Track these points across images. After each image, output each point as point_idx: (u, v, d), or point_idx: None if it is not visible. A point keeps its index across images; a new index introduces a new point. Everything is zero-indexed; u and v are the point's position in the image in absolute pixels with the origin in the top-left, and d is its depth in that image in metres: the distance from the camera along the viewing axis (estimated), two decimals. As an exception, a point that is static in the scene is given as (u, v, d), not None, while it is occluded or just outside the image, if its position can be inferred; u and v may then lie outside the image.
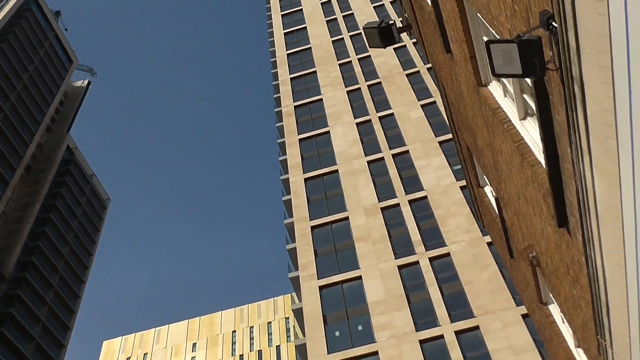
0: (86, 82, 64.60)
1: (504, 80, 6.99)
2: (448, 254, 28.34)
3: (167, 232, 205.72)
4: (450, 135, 33.45)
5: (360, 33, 46.36)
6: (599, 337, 5.99)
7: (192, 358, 76.18)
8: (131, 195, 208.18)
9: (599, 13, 3.03)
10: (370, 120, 38.21)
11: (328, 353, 25.56)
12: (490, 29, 6.27)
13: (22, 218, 54.26)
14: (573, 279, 6.58)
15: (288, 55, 48.52)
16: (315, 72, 45.17)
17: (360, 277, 28.60)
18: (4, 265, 49.51)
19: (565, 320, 9.01)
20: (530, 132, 6.63)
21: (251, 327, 77.30)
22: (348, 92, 41.64)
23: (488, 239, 28.14)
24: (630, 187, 3.45)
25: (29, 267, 52.77)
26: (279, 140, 40.58)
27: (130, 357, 78.16)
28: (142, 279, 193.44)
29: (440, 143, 34.38)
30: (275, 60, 48.59)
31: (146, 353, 78.17)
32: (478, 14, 6.75)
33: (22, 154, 56.67)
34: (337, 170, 35.19)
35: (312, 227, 32.09)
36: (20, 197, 56.44)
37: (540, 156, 6.34)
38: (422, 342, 24.91)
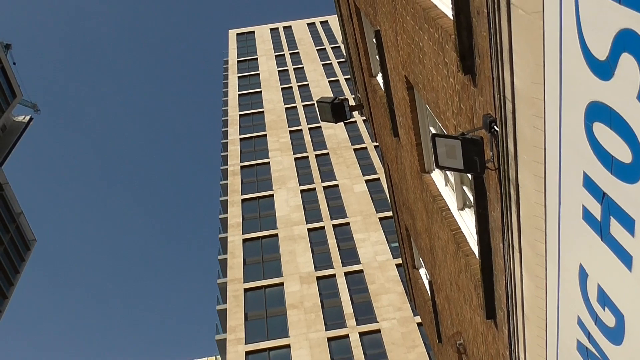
0: (28, 117, 62.75)
1: (447, 171, 7.29)
2: (378, 331, 28.25)
3: (91, 279, 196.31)
4: (390, 213, 34.13)
5: (313, 104, 47.57)
6: None
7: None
8: (58, 240, 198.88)
9: (536, 127, 3.27)
10: (314, 189, 38.59)
11: None
12: (437, 121, 6.59)
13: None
14: (497, 372, 6.68)
15: (240, 116, 48.98)
16: (265, 135, 45.66)
17: (288, 346, 28.00)
18: None
19: (487, 411, 9.05)
20: (467, 222, 6.88)
21: (168, 390, 73.42)
22: (296, 158, 42.14)
23: (418, 319, 28.30)
24: (555, 291, 3.61)
25: None
26: (221, 198, 40.25)
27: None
28: (59, 325, 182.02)
29: (380, 219, 34.97)
30: (227, 120, 48.90)
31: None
32: (427, 106, 7.11)
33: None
34: (277, 235, 35.02)
35: (246, 290, 31.46)
36: (-62, 227, 52.98)
37: (475, 247, 6.56)
38: (344, 420, 24.33)
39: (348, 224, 35.08)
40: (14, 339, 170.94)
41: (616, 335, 2.77)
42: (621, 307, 2.66)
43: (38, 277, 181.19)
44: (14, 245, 64.52)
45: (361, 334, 28.15)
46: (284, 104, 49.54)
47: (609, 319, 2.80)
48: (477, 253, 6.47)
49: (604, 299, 2.81)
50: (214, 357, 71.70)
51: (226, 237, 36.14)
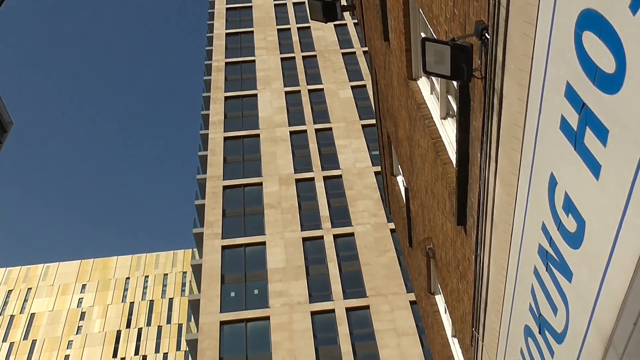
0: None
1: (433, 78, 7.27)
2: (352, 234, 29.17)
3: (68, 163, 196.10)
4: (373, 121, 34.17)
5: (304, 2, 45.92)
6: (473, 329, 6.49)
7: (79, 299, 73.92)
8: (30, 123, 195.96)
9: (526, 35, 3.27)
10: (299, 92, 38.18)
11: (221, 312, 25.74)
12: (429, 26, 6.49)
13: None
14: (461, 274, 7.05)
15: (227, 9, 47.25)
16: (252, 32, 44.35)
17: (264, 243, 28.87)
18: None
19: (447, 311, 9.64)
20: (448, 132, 6.97)
21: (146, 277, 76.04)
22: (282, 59, 41.29)
23: (392, 226, 29.22)
24: (524, 199, 3.77)
25: None
26: (204, 94, 39.70)
27: (12, 290, 74.70)
28: (34, 210, 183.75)
29: (363, 127, 35.03)
30: (213, 12, 47.18)
31: (30, 288, 74.97)
32: (420, 10, 6.96)
33: None
34: (258, 135, 35.01)
35: (225, 187, 31.88)
36: None
37: (453, 156, 6.69)
38: (313, 313, 25.64)
39: (331, 129, 35.13)
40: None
41: (575, 240, 2.94)
42: (584, 213, 2.81)
43: (15, 163, 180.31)
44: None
45: (335, 236, 29.07)
46: (274, 0, 47.78)
47: (571, 225, 2.96)
48: (454, 162, 6.61)
49: (569, 206, 2.96)
50: (191, 250, 73.94)
51: (207, 134, 36.05)
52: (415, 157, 8.88)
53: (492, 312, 5.32)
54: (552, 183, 3.15)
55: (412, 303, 25.84)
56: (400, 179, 13.35)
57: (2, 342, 69.11)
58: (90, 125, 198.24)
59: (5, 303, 73.37)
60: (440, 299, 10.70)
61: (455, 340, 9.53)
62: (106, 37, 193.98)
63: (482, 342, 6.03)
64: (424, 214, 9.29)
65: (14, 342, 69.06)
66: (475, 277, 5.96)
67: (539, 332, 3.74)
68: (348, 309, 25.84)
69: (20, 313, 72.20)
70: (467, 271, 6.61)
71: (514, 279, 4.28)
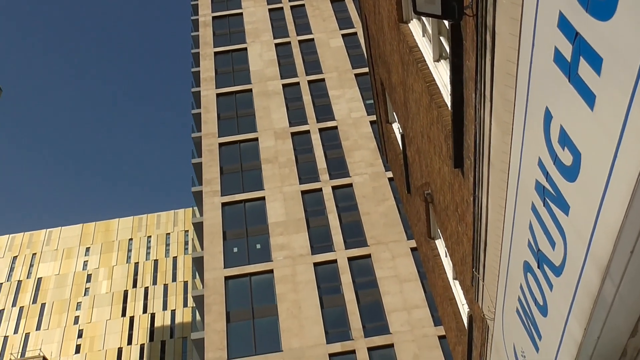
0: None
1: (424, 20, 7.13)
2: (350, 185, 29.29)
3: (63, 128, 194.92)
4: (366, 69, 33.76)
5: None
6: (474, 270, 6.59)
7: (84, 262, 74.81)
8: (24, 87, 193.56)
9: (518, -34, 3.17)
10: (289, 43, 37.55)
11: (224, 267, 26.11)
12: (419, -34, 6.30)
13: None
14: (460, 217, 7.11)
15: (212, -39, 45.88)
16: (238, -17, 43.22)
17: (263, 198, 29.00)
18: None
19: (447, 254, 9.77)
20: (442, 74, 6.89)
21: (149, 237, 76.74)
22: (270, 9, 40.41)
23: (389, 174, 29.31)
24: (520, 136, 3.75)
25: None
26: (193, 51, 39.05)
27: (17, 256, 75.48)
28: (33, 176, 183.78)
29: (356, 75, 34.64)
30: (198, -35, 45.83)
31: (35, 253, 75.74)
32: (409, -51, 6.75)
33: None
34: (250, 90, 34.65)
35: (220, 144, 31.78)
36: None
37: (448, 99, 6.63)
38: (316, 264, 26.02)
39: (323, 80, 34.74)
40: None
41: (571, 173, 2.94)
42: (579, 145, 2.80)
43: (7, 130, 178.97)
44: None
45: (334, 188, 29.19)
46: (259, -50, 46.37)
47: (567, 158, 2.95)
48: (449, 104, 6.56)
49: (565, 139, 2.94)
50: (192, 208, 74.36)
51: (199, 92, 35.66)
52: (409, 103, 8.81)
53: (491, 251, 5.39)
54: (547, 117, 3.13)
55: (412, 250, 26.19)
56: (395, 126, 13.29)
57: (12, 306, 70.30)
58: (82, 89, 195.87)
59: (12, 269, 74.28)
60: (440, 243, 10.83)
61: (457, 282, 9.69)
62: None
63: (483, 281, 6.13)
64: (420, 159, 9.29)
65: (23, 306, 70.27)
66: (474, 218, 6.00)
67: (538, 267, 3.79)
68: (350, 259, 26.21)
69: (27, 278, 73.20)
70: (465, 213, 6.66)
71: (512, 217, 4.31)
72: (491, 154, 4.82)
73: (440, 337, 23.08)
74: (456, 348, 10.50)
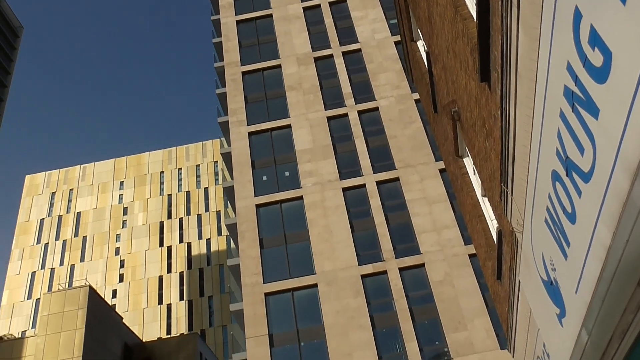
0: None
1: None
2: (376, 109, 28.98)
3: (90, 66, 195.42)
4: (390, -13, 32.56)
5: None
6: (502, 184, 6.57)
7: (119, 196, 77.02)
8: (46, 24, 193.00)
9: None
10: (309, -37, 36.20)
11: (255, 195, 26.57)
12: None
13: None
14: (487, 132, 7.02)
15: None
16: None
17: (289, 126, 28.99)
18: None
19: (476, 171, 9.73)
20: (466, -16, 6.61)
21: (179, 169, 78.16)
22: None
23: (416, 96, 28.83)
24: (548, 41, 3.61)
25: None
26: (211, -23, 38.04)
27: (55, 192, 77.99)
28: (64, 115, 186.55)
29: (379, -6, 33.45)
30: None
31: (72, 189, 78.12)
32: None
33: None
34: (271, 15, 33.88)
35: (243, 73, 31.51)
36: None
37: (473, 10, 6.39)
38: (345, 189, 26.26)
39: (345, 0, 33.69)
40: (18, 128, 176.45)
41: (601, 74, 2.84)
42: (610, 45, 2.69)
43: (34, 68, 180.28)
44: (1, 32, 62.83)
45: (360, 112, 28.94)
46: None
47: (597, 59, 2.85)
48: (474, 15, 6.32)
49: (595, 39, 2.83)
50: (219, 139, 74.95)
51: (219, 19, 35.04)
52: (434, 17, 8.52)
53: (519, 164, 5.34)
54: (577, 17, 3.00)
55: (441, 171, 26.14)
56: (420, 44, 12.94)
57: (56, 240, 73.43)
58: (106, 25, 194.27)
59: (51, 204, 77.01)
60: (468, 161, 10.77)
61: (485, 199, 9.71)
62: None
63: (511, 195, 6.12)
64: (446, 76, 9.09)
65: (66, 240, 73.36)
66: (501, 132, 5.92)
67: (567, 175, 3.75)
68: (378, 182, 26.35)
69: (67, 213, 75.93)
70: (493, 128, 6.56)
71: (539, 127, 4.23)
72: (519, 64, 4.68)
73: (471, 256, 23.42)
74: (486, 264, 10.66)
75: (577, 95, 3.21)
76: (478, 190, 10.19)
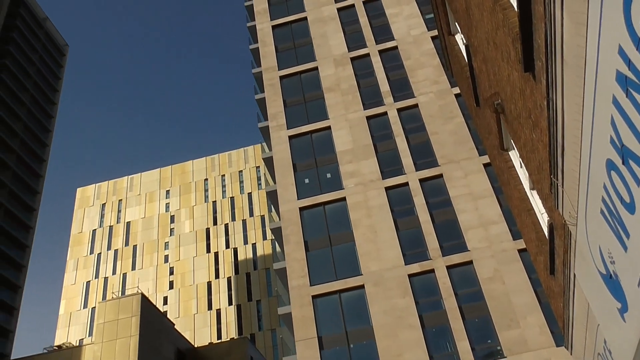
0: None
1: None
2: (416, 105, 28.67)
3: (133, 79, 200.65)
4: (424, -18, 32.19)
5: None
6: (552, 176, 6.36)
7: (166, 204, 78.68)
8: (90, 41, 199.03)
9: None
10: (341, -36, 36.17)
11: (298, 198, 26.66)
12: None
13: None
14: (533, 123, 6.81)
15: None
16: None
17: (329, 127, 28.99)
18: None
19: (522, 164, 9.48)
20: (505, -28, 6.44)
21: (222, 176, 79.27)
22: None
23: (456, 90, 28.39)
24: (597, 25, 3.46)
25: (-8, 118, 51.75)
26: (245, -15, 38.44)
27: (105, 203, 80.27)
28: (110, 128, 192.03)
29: (413, -10, 33.11)
30: None
31: (120, 200, 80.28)
32: None
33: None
34: (305, 18, 33.98)
35: (281, 77, 31.70)
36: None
37: (513, -2, 6.22)
38: (387, 188, 26.07)
39: (379, -1, 33.49)
40: (67, 142, 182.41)
41: (658, 55, 2.69)
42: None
43: (79, 83, 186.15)
44: (47, 52, 65.10)
45: (399, 110, 28.69)
46: None
47: (652, 40, 2.70)
48: (515, 4, 6.15)
49: (649, 19, 2.68)
50: (260, 144, 75.70)
51: (255, 26, 35.37)
52: (471, 9, 8.34)
53: (570, 154, 5.16)
54: (628, -2, 2.85)
55: (485, 165, 25.65)
56: (459, 37, 12.71)
57: (107, 250, 75.55)
58: (145, 41, 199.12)
59: (102, 215, 79.31)
60: (514, 154, 10.50)
61: (534, 192, 9.44)
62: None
63: (562, 187, 5.92)
64: (488, 68, 8.89)
65: (117, 249, 75.40)
66: (549, 122, 5.73)
67: (623, 163, 3.58)
68: (421, 180, 26.04)
69: (117, 223, 78.05)
70: (539, 119, 6.37)
71: (590, 115, 4.07)
72: (565, 51, 4.51)
73: (520, 251, 22.87)
74: (537, 259, 10.37)
75: (631, 79, 3.06)
76: (526, 183, 9.93)
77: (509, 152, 10.76)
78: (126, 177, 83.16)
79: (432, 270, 23.34)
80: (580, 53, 4.02)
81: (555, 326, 20.85)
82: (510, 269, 22.65)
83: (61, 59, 67.57)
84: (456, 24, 12.07)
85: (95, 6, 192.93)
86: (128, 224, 77.69)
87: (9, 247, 50.45)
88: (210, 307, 68.66)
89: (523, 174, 10.02)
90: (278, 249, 33.54)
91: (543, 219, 9.10)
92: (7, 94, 54.68)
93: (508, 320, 21.44)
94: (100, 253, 75.45)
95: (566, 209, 6.08)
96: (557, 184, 6.24)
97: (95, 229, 77.91)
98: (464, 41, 10.97)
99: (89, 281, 73.19)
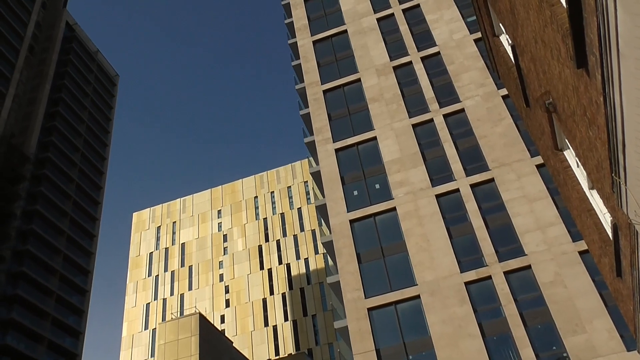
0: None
1: None
2: (462, 110, 28.24)
3: (180, 104, 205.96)
4: (463, -15, 31.81)
5: None
6: (613, 174, 6.10)
7: (218, 224, 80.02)
8: (138, 69, 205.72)
9: None
10: (378, -26, 36.21)
11: (348, 211, 26.58)
12: None
13: (35, 100, 54.58)
14: (590, 121, 6.57)
15: None
16: None
17: (375, 138, 28.86)
18: (26, 147, 50.68)
19: (579, 163, 9.14)
20: (549, -32, 6.26)
21: (272, 192, 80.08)
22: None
23: (503, 92, 27.82)
24: (655, 13, 3.30)
25: (50, 147, 54.06)
26: (283, 2, 38.98)
27: (160, 226, 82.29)
28: (161, 152, 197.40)
29: (452, -6, 32.77)
30: None
31: (175, 222, 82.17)
32: None
33: (22, 33, 55.50)
34: (345, 31, 34.11)
35: (324, 91, 31.84)
36: (29, 79, 56.29)
37: (560, -6, 6.04)
38: (438, 196, 25.67)
39: (418, 5, 33.29)
40: (121, 165, 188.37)
41: None
42: None
43: (131, 111, 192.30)
44: (100, 82, 67.70)
45: (445, 116, 28.31)
46: None
47: None
48: (563, 0, 5.97)
49: None
50: (307, 159, 76.09)
51: (296, 42, 35.73)
52: (516, 8, 8.16)
53: (632, 150, 4.93)
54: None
55: (538, 167, 24.95)
56: (504, 38, 12.44)
57: (165, 272, 77.30)
58: (188, 66, 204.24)
59: (158, 238, 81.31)
60: (569, 154, 10.16)
61: (594, 191, 9.09)
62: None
63: (625, 185, 5.66)
64: (536, 67, 8.65)
65: (174, 270, 77.06)
66: (607, 118, 5.50)
67: (693, 158, 3.38)
68: (472, 185, 25.55)
69: (172, 244, 79.86)
70: (596, 115, 6.13)
71: (653, 108, 3.87)
72: (620, 44, 4.33)
73: (581, 253, 22.05)
74: (602, 260, 9.95)
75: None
76: (584, 183, 9.57)
77: (564, 152, 10.41)
78: (179, 199, 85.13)
79: (490, 277, 22.76)
80: (638, 44, 3.84)
81: (625, 330, 19.93)
82: (571, 272, 21.84)
83: (113, 89, 70.13)
84: (500, 24, 11.83)
85: (141, 35, 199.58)
86: (183, 245, 79.39)
87: (73, 273, 52.28)
88: (266, 324, 69.10)
89: (581, 174, 9.67)
90: (330, 262, 33.49)
91: (605, 219, 8.73)
92: (65, 127, 57.09)
93: (573, 326, 20.64)
94: (158, 275, 77.28)
95: (631, 207, 5.81)
96: (619, 182, 5.98)
97: (152, 252, 79.94)
98: (510, 41, 10.73)
99: (149, 303, 74.98)
